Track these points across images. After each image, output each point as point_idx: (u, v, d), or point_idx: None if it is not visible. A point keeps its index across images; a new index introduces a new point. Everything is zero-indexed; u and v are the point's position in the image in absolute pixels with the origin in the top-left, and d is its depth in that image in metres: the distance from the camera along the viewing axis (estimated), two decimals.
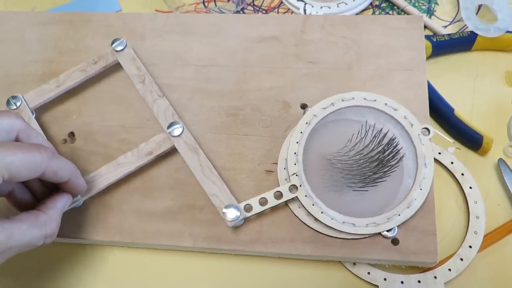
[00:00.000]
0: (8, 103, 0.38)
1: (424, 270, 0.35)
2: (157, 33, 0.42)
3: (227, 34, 0.42)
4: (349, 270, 0.36)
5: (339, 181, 0.35)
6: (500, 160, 0.38)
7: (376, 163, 0.34)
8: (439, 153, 0.39)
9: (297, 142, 0.35)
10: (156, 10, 0.48)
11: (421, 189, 0.34)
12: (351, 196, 0.34)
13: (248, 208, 0.34)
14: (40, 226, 0.29)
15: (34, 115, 0.38)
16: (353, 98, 0.36)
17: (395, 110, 0.35)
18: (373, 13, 0.46)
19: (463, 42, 0.43)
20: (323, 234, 0.34)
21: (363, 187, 0.34)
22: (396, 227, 0.33)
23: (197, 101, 0.39)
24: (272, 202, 0.34)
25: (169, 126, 0.37)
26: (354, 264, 0.36)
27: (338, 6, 0.45)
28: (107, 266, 0.37)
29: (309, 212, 0.34)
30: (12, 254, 0.28)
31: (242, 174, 0.37)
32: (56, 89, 0.39)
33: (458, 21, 0.45)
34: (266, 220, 0.35)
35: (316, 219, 0.34)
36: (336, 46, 0.40)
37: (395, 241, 0.34)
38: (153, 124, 0.39)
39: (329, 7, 0.45)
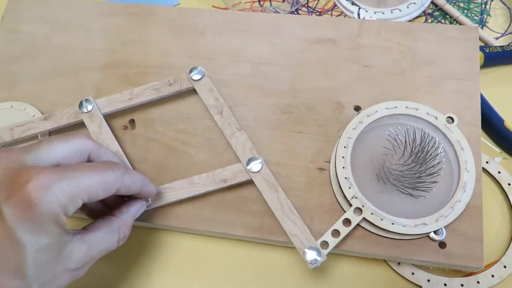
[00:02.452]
0: (80, 105, 0.39)
1: (467, 274, 0.36)
2: (216, 30, 0.44)
3: (284, 34, 0.43)
4: (393, 269, 0.37)
5: (388, 183, 0.36)
6: None
7: (419, 165, 0.35)
8: (487, 162, 0.40)
9: (345, 146, 0.36)
10: (213, 6, 0.49)
11: (464, 191, 0.35)
12: (399, 198, 0.36)
13: (324, 244, 0.35)
14: (114, 231, 0.31)
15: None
16: (406, 107, 0.38)
17: (436, 118, 0.37)
18: (426, 20, 0.47)
19: None
20: (372, 232, 0.35)
21: (411, 189, 0.35)
22: (444, 231, 0.34)
23: (253, 98, 0.41)
24: (344, 231, 0.35)
25: (248, 162, 0.37)
26: (399, 264, 0.37)
27: (392, 12, 0.46)
28: (160, 250, 0.39)
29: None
30: (93, 263, 0.30)
31: (295, 170, 0.38)
32: (128, 101, 0.40)
33: (510, 33, 0.46)
34: (316, 216, 0.36)
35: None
36: (391, 51, 0.41)
37: (442, 245, 0.35)
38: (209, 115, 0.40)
39: (383, 13, 0.46)
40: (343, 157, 0.36)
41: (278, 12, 0.48)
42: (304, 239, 0.34)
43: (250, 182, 0.37)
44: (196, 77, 0.40)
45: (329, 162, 0.38)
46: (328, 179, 0.37)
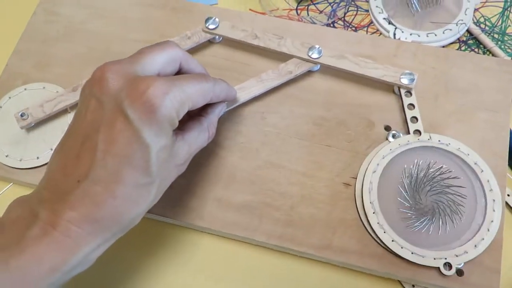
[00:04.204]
0: None
1: None
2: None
3: (322, 46, 0.43)
4: None
5: (411, 207, 0.36)
6: None
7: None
8: (508, 195, 0.40)
9: (374, 171, 0.37)
10: (250, 10, 0.49)
11: (488, 230, 0.35)
12: (422, 224, 0.36)
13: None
14: (204, 130, 0.34)
15: None
16: (439, 141, 0.38)
17: (467, 155, 0.38)
18: (459, 48, 0.48)
19: None
20: (391, 253, 0.36)
21: (431, 218, 0.36)
22: None
23: (287, 106, 0.41)
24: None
25: (308, 51, 0.41)
26: (413, 286, 0.37)
27: (427, 36, 0.46)
28: (173, 246, 0.40)
29: (379, 239, 0.36)
30: (190, 159, 0.33)
31: (320, 182, 0.38)
32: None
33: None
34: (338, 230, 0.37)
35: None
36: (426, 75, 0.42)
37: (459, 272, 0.35)
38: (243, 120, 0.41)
39: (419, 35, 0.47)
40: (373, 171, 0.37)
41: (314, 23, 0.48)
42: (392, 72, 0.39)
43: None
44: (212, 26, 0.43)
45: (355, 178, 0.38)
46: (352, 195, 0.38)
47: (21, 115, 0.39)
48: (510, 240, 0.39)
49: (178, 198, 0.38)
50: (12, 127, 0.40)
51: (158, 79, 0.28)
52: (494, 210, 0.36)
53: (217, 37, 0.44)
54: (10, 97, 0.42)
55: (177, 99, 0.28)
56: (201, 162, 0.39)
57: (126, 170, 0.27)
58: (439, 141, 0.38)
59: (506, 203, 0.40)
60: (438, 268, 0.35)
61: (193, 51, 0.43)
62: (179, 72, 0.33)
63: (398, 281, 0.38)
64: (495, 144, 0.39)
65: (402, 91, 0.39)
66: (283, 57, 0.42)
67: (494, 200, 0.36)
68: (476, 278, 0.35)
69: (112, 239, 0.29)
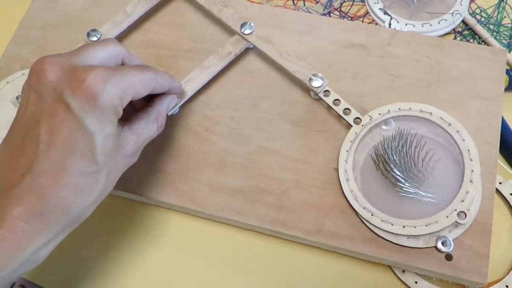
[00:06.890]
0: (88, 35, 0.42)
1: None
2: (251, 22, 0.44)
3: (317, 35, 0.44)
4: (397, 276, 0.38)
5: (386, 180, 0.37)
6: None
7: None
8: (500, 183, 0.40)
9: (351, 141, 0.39)
10: None
11: (462, 201, 0.36)
12: (398, 198, 0.37)
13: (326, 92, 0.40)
14: (152, 120, 0.34)
15: None
16: (409, 109, 0.39)
17: (449, 124, 0.39)
18: (454, 38, 0.48)
19: None
20: (382, 237, 0.36)
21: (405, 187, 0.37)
22: (452, 243, 0.35)
23: (280, 92, 0.42)
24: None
25: (240, 27, 0.42)
26: (403, 271, 0.38)
27: (422, 26, 0.47)
28: (163, 229, 0.41)
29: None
30: (141, 149, 0.33)
31: (313, 167, 0.39)
32: (126, 19, 0.43)
33: None
34: (329, 215, 0.37)
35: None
36: (420, 64, 0.42)
37: (449, 257, 0.36)
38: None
39: (414, 26, 0.47)
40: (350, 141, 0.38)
41: (310, 13, 0.49)
42: (306, 71, 0.40)
43: None
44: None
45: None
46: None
47: (17, 98, 0.39)
48: (500, 228, 0.39)
49: (170, 182, 0.39)
50: (9, 112, 0.41)
51: (98, 67, 0.28)
52: (471, 182, 0.36)
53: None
54: (8, 82, 0.42)
55: (118, 86, 0.29)
56: (192, 147, 0.40)
57: (70, 159, 0.27)
58: (379, 114, 0.40)
59: (497, 190, 0.40)
60: (427, 252, 0.35)
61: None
62: None
63: (389, 266, 0.38)
64: (488, 133, 0.39)
65: (321, 94, 0.40)
66: None
67: (473, 171, 0.37)
68: (465, 263, 0.35)
69: (61, 233, 0.28)
